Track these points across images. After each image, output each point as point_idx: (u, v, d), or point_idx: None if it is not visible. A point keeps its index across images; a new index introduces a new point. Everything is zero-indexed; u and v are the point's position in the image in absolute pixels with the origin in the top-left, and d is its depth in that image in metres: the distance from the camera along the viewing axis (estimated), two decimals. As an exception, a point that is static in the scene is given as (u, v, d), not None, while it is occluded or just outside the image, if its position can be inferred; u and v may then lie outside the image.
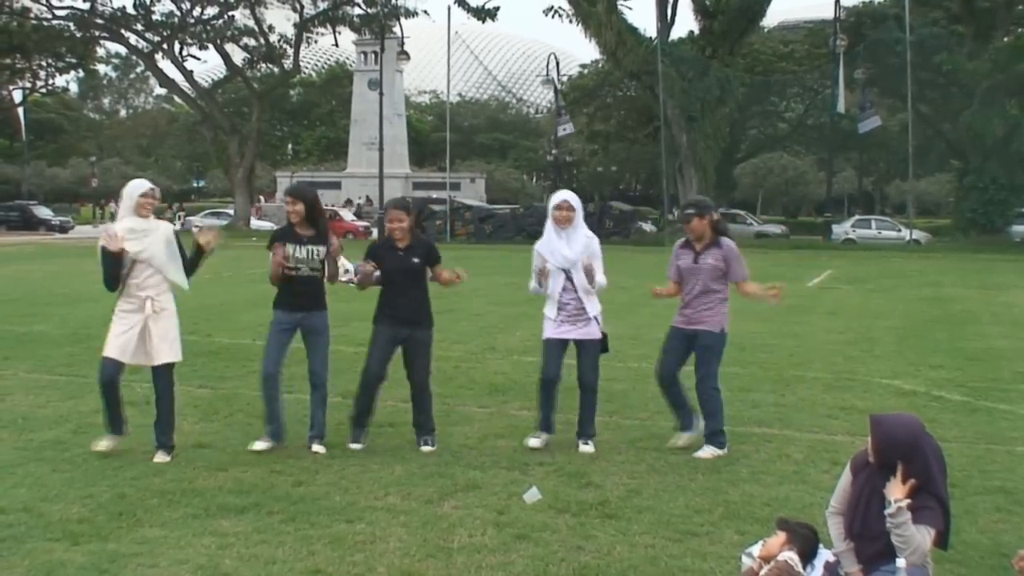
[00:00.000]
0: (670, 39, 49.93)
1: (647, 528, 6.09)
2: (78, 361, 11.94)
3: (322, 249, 7.84)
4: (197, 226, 58.96)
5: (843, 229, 48.17)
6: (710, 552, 5.70)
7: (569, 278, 7.96)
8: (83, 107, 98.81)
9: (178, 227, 61.98)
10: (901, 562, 4.66)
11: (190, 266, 7.84)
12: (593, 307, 8.03)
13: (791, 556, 4.91)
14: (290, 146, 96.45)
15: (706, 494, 6.80)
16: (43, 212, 61.07)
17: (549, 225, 8.10)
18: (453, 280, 8.21)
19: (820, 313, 18.17)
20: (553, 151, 64.11)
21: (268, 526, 6.05)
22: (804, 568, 4.93)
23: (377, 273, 8.07)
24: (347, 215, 54.66)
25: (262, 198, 60.90)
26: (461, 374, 11.39)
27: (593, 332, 8.02)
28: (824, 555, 5.12)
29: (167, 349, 7.65)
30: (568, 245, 7.94)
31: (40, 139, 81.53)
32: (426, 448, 8.01)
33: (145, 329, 7.55)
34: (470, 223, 47.74)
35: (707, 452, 7.84)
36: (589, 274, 7.88)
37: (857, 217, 52.70)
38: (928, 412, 9.41)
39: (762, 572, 4.87)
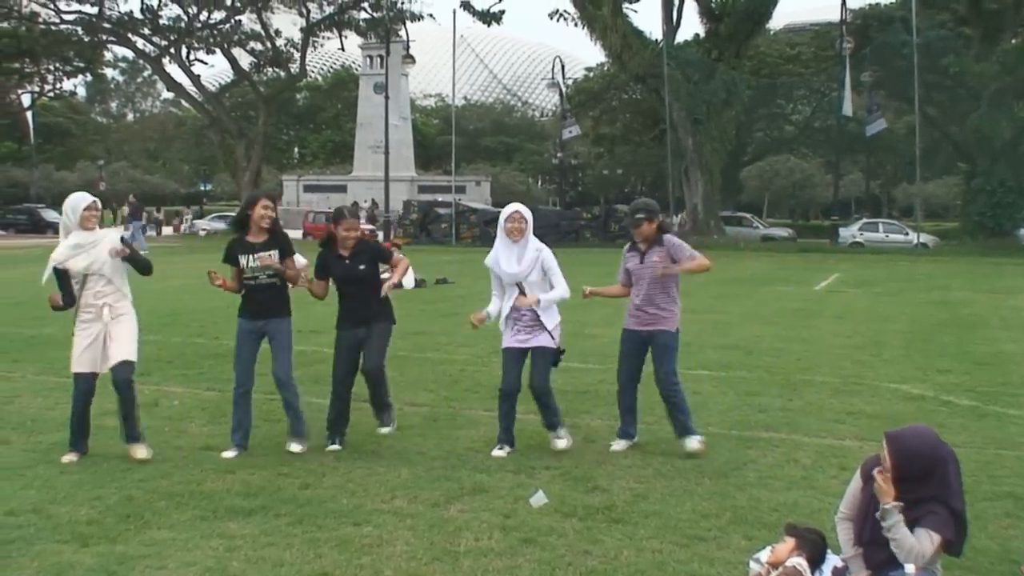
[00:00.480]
0: (676, 42, 49.93)
1: (654, 533, 6.08)
2: (85, 364, 11.95)
3: (275, 254, 7.87)
4: (204, 229, 59.16)
5: (850, 232, 48.02)
6: (718, 557, 5.68)
7: (522, 291, 7.98)
8: (91, 111, 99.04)
9: (185, 230, 62.20)
10: (910, 568, 4.64)
11: (137, 267, 7.83)
12: (550, 319, 8.07)
13: (800, 562, 4.90)
14: (296, 150, 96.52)
15: (713, 499, 6.78)
16: (51, 215, 61.06)
17: (499, 237, 8.15)
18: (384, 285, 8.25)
19: (827, 317, 18.14)
20: (558, 154, 64.08)
21: (275, 528, 6.06)
22: (812, 574, 4.92)
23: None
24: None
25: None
26: (467, 377, 11.40)
27: (545, 340, 8.02)
28: (832, 561, 5.11)
29: (124, 350, 7.65)
30: (517, 260, 7.99)
31: (48, 143, 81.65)
32: (384, 430, 8.22)
33: (106, 335, 7.61)
34: (475, 226, 47.65)
35: (696, 443, 7.95)
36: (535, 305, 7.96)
37: (864, 220, 52.52)
38: (936, 417, 9.38)
39: (771, 577, 4.87)
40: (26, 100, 70.34)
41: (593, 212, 50.75)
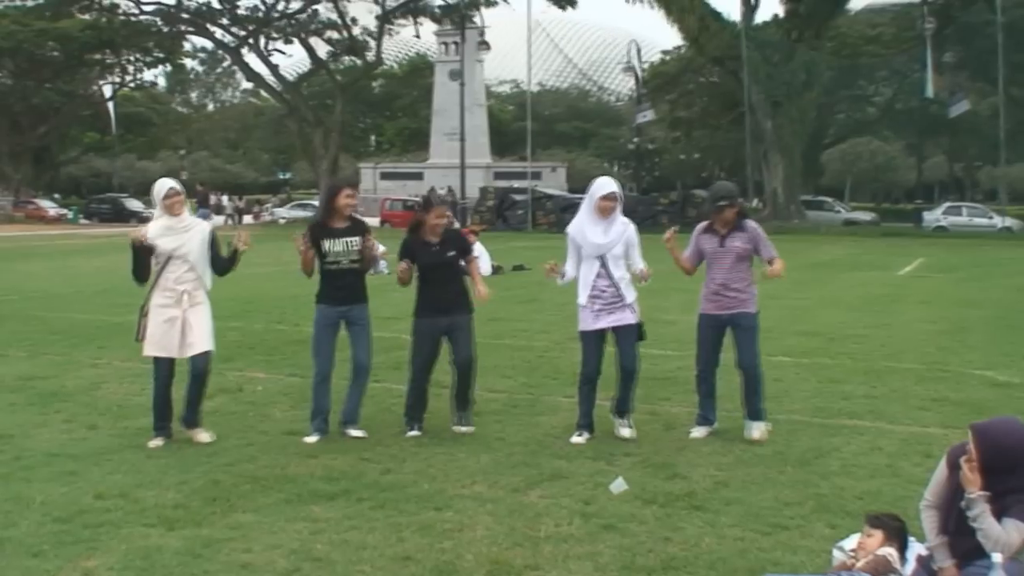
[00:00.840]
0: (754, 23, 49.35)
1: (736, 520, 6.02)
2: (170, 350, 12.16)
3: (357, 240, 7.98)
4: (283, 218, 59.92)
5: (934, 216, 47.13)
6: (800, 545, 5.62)
7: (604, 264, 7.89)
8: (171, 101, 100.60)
9: (267, 218, 63.01)
10: (997, 557, 4.55)
11: (226, 264, 7.96)
12: (630, 294, 7.98)
13: (890, 552, 4.83)
14: (373, 137, 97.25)
15: (796, 487, 6.70)
16: (134, 204, 62.40)
17: (586, 210, 8.02)
18: (480, 293, 8.18)
19: (912, 302, 17.83)
20: (634, 139, 63.75)
21: (358, 512, 6.11)
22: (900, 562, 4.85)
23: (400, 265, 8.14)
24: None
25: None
26: (546, 363, 11.40)
27: (627, 318, 7.94)
28: (916, 548, 5.04)
29: (205, 340, 7.78)
30: (603, 232, 7.89)
31: (130, 132, 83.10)
32: (461, 429, 8.12)
33: (184, 322, 7.69)
34: (551, 213, 47.65)
35: (760, 431, 7.93)
36: (639, 275, 7.95)
37: (948, 204, 51.52)
38: (1023, 404, 9.19)
39: (858, 565, 4.80)
40: (108, 91, 71.68)
41: (670, 197, 50.35)
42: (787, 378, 10.46)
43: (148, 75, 78.99)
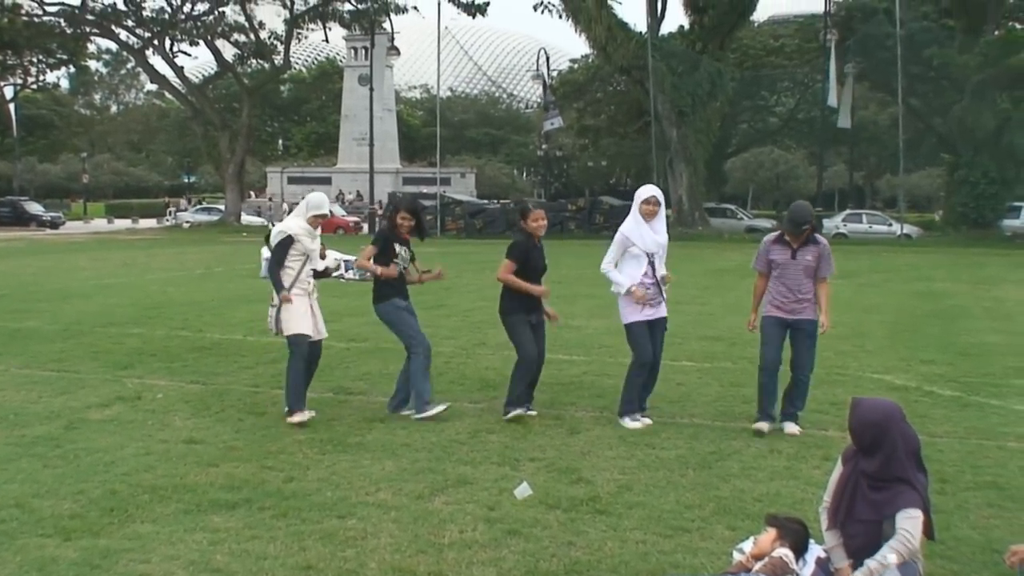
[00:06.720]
0: (660, 34, 49.97)
1: (638, 524, 6.09)
2: (70, 356, 11.91)
3: (406, 250, 9.30)
4: (188, 221, 58.95)
5: (834, 223, 48.09)
6: (701, 548, 5.70)
7: (651, 263, 8.64)
8: (74, 103, 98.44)
9: (170, 222, 61.95)
10: (892, 558, 4.66)
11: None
12: (663, 292, 8.83)
13: (786, 552, 4.91)
14: (280, 141, 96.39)
15: (697, 490, 6.80)
16: (34, 208, 60.95)
17: (635, 215, 8.70)
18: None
19: (811, 308, 18.11)
20: (543, 146, 64.06)
21: (259, 522, 6.04)
22: (796, 563, 4.93)
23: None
24: (338, 210, 54.64)
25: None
26: (452, 369, 11.37)
27: (663, 312, 8.82)
28: (815, 550, 5.13)
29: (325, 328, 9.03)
30: (656, 231, 8.69)
31: (31, 135, 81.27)
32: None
33: (312, 309, 8.82)
34: (460, 218, 47.63)
35: (795, 429, 8.52)
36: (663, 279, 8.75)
37: (848, 211, 52.69)
38: (919, 407, 9.43)
39: (755, 567, 4.87)
40: (8, 92, 69.97)
41: (578, 204, 50.65)
42: (690, 382, 10.61)
43: (51, 76, 76.96)
